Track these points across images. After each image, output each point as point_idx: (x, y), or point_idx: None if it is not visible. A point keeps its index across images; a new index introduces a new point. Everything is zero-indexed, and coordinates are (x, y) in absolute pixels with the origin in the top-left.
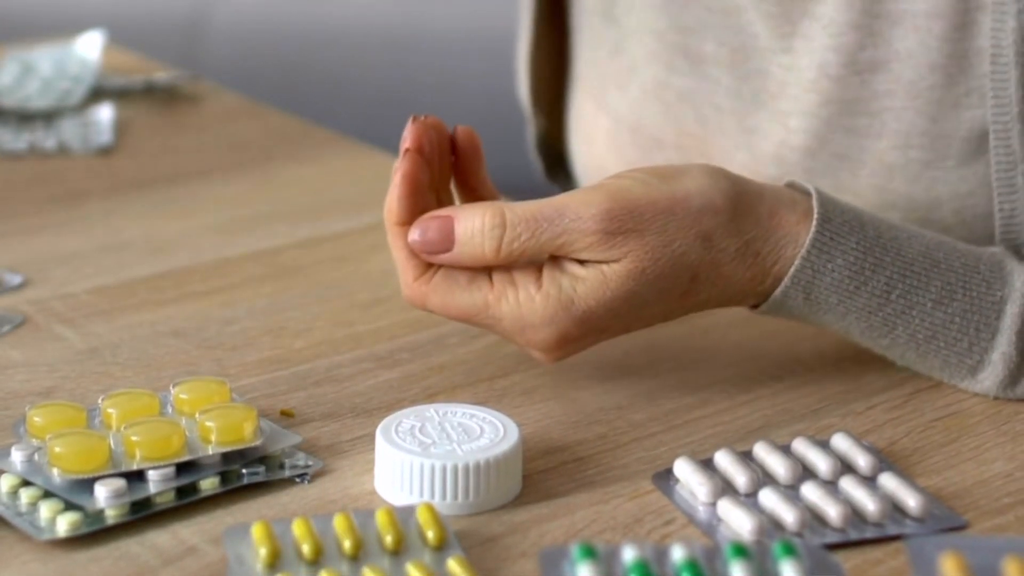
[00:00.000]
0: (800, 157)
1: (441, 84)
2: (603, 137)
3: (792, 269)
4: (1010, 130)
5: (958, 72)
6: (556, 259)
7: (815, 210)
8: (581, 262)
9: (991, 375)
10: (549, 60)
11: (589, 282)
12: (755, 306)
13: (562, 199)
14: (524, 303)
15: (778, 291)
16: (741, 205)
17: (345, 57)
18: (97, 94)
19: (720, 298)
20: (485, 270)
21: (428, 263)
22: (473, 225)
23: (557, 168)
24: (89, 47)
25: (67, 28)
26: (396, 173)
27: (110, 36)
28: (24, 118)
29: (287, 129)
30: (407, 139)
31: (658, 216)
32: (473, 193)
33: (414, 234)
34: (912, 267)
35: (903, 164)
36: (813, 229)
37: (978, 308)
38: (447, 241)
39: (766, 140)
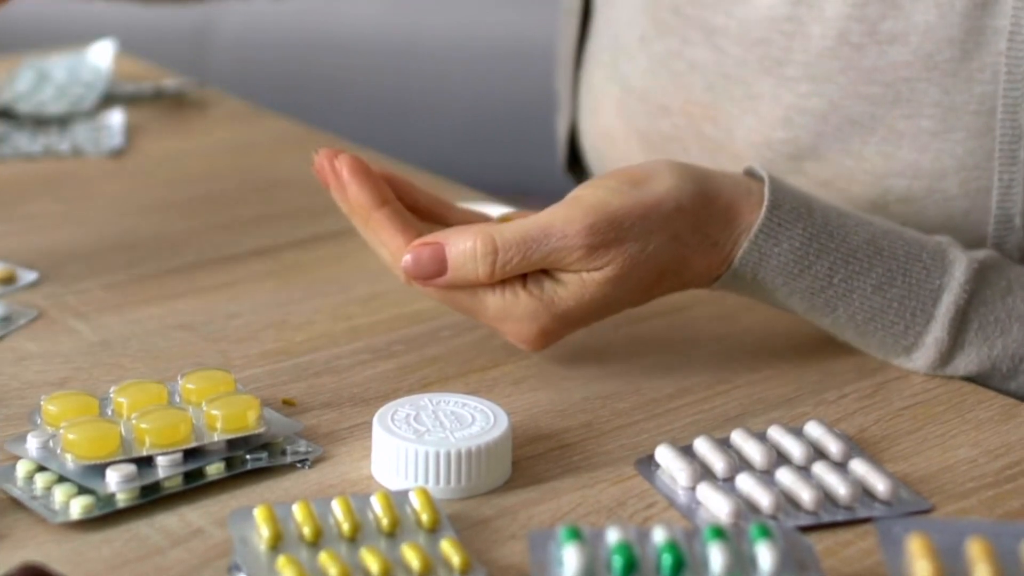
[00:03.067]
0: (810, 121)
1: (436, 90)
2: (612, 106)
3: (740, 252)
4: (1019, 105)
5: (974, 48)
6: None
7: (766, 197)
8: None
9: (923, 356)
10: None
11: (570, 287)
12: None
13: (546, 218)
14: (508, 298)
15: (727, 272)
16: (703, 202)
17: (344, 64)
18: (109, 100)
19: (682, 285)
20: None
21: (415, 239)
22: (465, 251)
23: (576, 164)
24: (101, 55)
25: (80, 37)
26: (341, 175)
27: (121, 45)
28: (40, 122)
29: (289, 133)
30: (327, 162)
31: (635, 223)
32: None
33: (407, 260)
34: (855, 254)
35: (913, 133)
36: (762, 216)
37: (916, 295)
38: (440, 267)
39: (775, 105)
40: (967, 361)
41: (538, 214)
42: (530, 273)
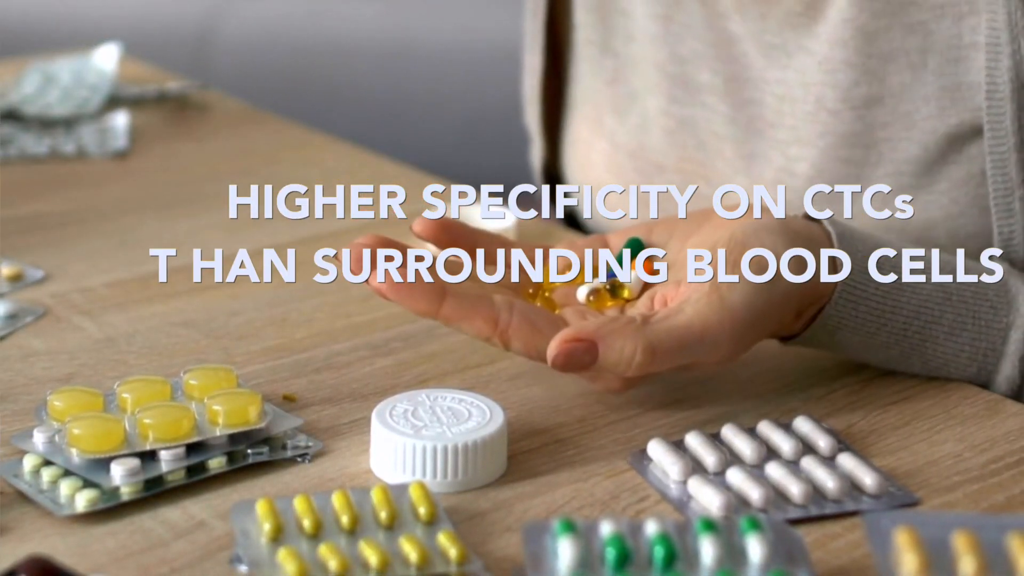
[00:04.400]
0: (801, 183)
1: (435, 92)
2: (602, 161)
3: (820, 317)
4: (1007, 159)
5: (950, 105)
6: None
7: (840, 260)
8: None
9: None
10: (548, 88)
11: (686, 366)
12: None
13: (699, 324)
14: None
15: (807, 333)
16: (810, 286)
17: (343, 67)
18: (113, 102)
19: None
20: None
21: (496, 312)
22: (623, 356)
23: (554, 189)
24: (106, 58)
25: (85, 41)
26: (386, 294)
27: (125, 48)
28: (45, 124)
29: (289, 134)
30: (361, 265)
31: (769, 322)
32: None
33: (558, 358)
34: (927, 303)
35: (898, 190)
36: (840, 283)
37: (986, 336)
38: (592, 361)
39: (767, 166)
40: None
41: (686, 313)
42: None
